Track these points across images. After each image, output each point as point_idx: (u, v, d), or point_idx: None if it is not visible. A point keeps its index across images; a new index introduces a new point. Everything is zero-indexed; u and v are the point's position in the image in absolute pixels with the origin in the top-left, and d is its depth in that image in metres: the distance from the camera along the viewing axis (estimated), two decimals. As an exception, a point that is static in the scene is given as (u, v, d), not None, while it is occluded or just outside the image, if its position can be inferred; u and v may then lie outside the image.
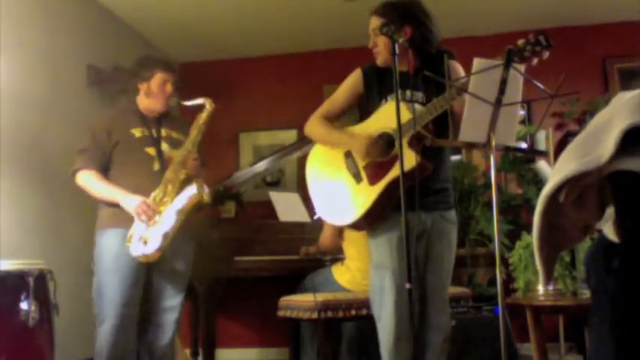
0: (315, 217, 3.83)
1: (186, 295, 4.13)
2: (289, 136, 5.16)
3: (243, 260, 3.73)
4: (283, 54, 5.31)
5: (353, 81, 2.70)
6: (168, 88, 3.05)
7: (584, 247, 3.06)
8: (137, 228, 2.81)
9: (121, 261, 2.82)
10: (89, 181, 2.94)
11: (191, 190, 2.88)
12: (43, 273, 2.62)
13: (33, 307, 2.48)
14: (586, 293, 3.17)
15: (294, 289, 3.48)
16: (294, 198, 4.34)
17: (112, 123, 3.02)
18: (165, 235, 2.80)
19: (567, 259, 3.23)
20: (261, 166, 4.39)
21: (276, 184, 5.22)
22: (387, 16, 2.55)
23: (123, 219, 2.83)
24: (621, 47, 4.82)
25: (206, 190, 2.94)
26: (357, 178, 2.57)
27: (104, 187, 2.92)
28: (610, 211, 1.27)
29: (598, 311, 1.30)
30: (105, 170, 2.97)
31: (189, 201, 2.87)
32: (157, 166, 2.95)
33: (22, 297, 2.47)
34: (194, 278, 3.82)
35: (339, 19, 4.58)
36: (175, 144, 3.02)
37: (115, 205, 2.87)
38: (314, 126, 2.73)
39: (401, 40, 2.35)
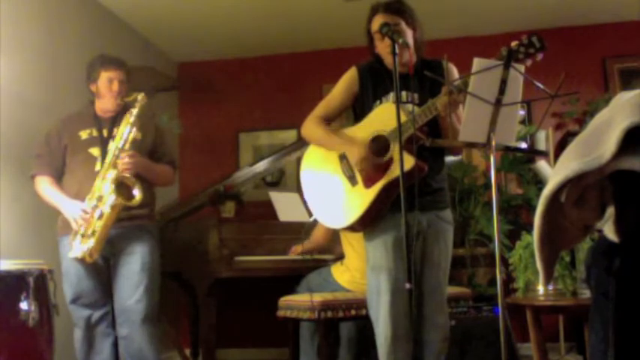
0: (313, 219, 3.83)
1: (186, 295, 4.19)
2: (289, 136, 5.16)
3: (244, 260, 3.73)
4: (283, 54, 5.31)
5: (348, 80, 2.68)
6: (115, 86, 3.04)
7: (584, 247, 3.06)
8: (77, 232, 2.86)
9: (77, 266, 2.91)
10: (41, 187, 3.03)
11: (112, 196, 2.82)
12: (43, 273, 2.61)
13: (33, 307, 2.48)
14: (586, 293, 3.17)
15: (294, 289, 3.48)
16: (294, 198, 4.34)
17: (63, 126, 3.08)
18: (97, 238, 2.82)
19: (567, 259, 3.23)
20: (261, 166, 4.39)
21: (276, 184, 5.22)
22: (404, 14, 2.55)
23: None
24: (621, 47, 4.82)
25: (136, 190, 2.86)
26: (352, 180, 2.56)
27: (51, 193, 3.00)
28: (610, 211, 1.27)
29: (598, 312, 1.30)
30: (59, 175, 3.05)
31: (113, 206, 2.83)
32: (98, 167, 2.96)
33: (22, 297, 2.47)
34: (194, 278, 3.84)
35: (339, 19, 4.57)
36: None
37: None
38: (310, 127, 2.71)
39: (401, 41, 2.35)
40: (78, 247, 2.84)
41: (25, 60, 3.53)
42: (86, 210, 2.84)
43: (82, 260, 2.85)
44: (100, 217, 2.82)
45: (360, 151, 2.51)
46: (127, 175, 2.88)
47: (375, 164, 2.51)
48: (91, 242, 2.82)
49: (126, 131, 2.93)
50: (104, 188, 2.85)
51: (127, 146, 2.92)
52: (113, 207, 2.82)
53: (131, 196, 2.87)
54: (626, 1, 4.42)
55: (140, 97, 2.99)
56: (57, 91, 3.73)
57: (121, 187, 2.86)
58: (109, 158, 2.90)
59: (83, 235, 2.84)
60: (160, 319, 3.24)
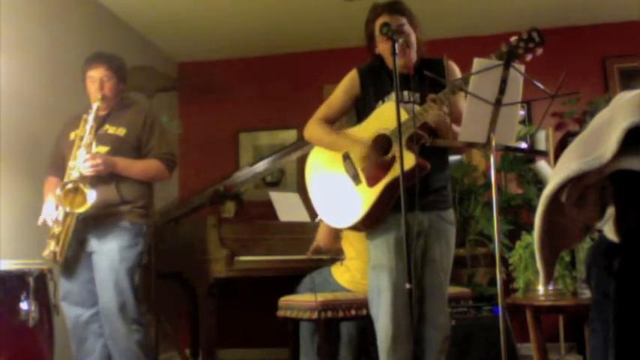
0: (317, 220, 3.82)
1: (186, 295, 4.18)
2: (289, 136, 5.16)
3: (244, 260, 3.72)
4: (283, 54, 5.31)
5: (349, 82, 2.69)
6: (95, 85, 3.08)
7: (584, 247, 3.06)
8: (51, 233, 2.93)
9: (64, 264, 2.99)
10: (45, 188, 3.12)
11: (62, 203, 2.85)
12: (43, 273, 2.61)
13: (33, 307, 2.48)
14: (586, 293, 3.17)
15: (294, 289, 3.48)
16: (294, 198, 4.34)
17: (62, 129, 3.17)
18: (59, 240, 2.87)
19: (567, 259, 3.23)
20: (261, 166, 4.39)
21: (276, 184, 5.21)
22: (407, 13, 2.55)
23: None
24: (621, 47, 4.81)
25: (89, 195, 2.82)
26: (356, 179, 2.56)
27: (44, 194, 3.07)
28: (611, 211, 1.27)
29: (598, 312, 1.30)
30: (64, 175, 3.09)
31: (65, 212, 2.86)
32: None
33: (22, 297, 2.47)
34: (194, 278, 3.84)
35: (339, 19, 4.57)
36: (104, 141, 3.03)
37: None
38: (313, 129, 2.72)
39: (401, 41, 2.35)
40: (49, 248, 2.91)
41: (25, 60, 3.53)
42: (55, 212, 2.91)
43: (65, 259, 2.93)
44: (61, 225, 2.88)
45: (363, 149, 2.52)
46: (87, 177, 2.87)
47: (377, 163, 2.51)
48: (52, 243, 2.88)
49: (85, 137, 2.94)
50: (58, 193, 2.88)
51: (88, 150, 2.92)
52: (65, 213, 2.86)
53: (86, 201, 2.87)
54: (626, 1, 4.42)
55: (95, 105, 2.99)
56: (57, 91, 3.73)
57: (78, 192, 2.86)
58: (70, 164, 2.93)
59: (52, 237, 2.90)
60: (159, 319, 3.24)
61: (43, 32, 3.71)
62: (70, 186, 2.84)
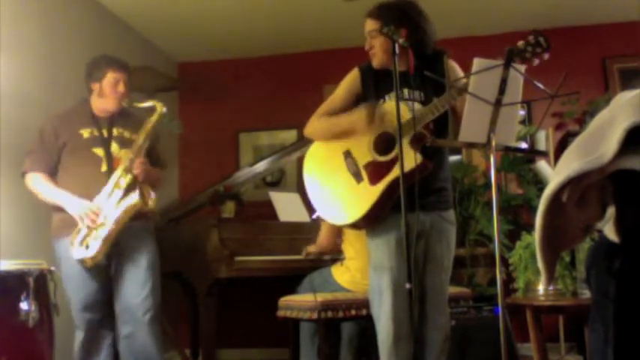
0: (314, 217, 3.82)
1: (186, 295, 4.19)
2: (289, 136, 5.16)
3: (244, 260, 3.72)
4: (283, 54, 5.31)
5: (351, 80, 2.70)
6: (120, 87, 3.05)
7: (584, 247, 3.06)
8: (80, 232, 2.85)
9: (81, 268, 2.89)
10: (37, 183, 2.98)
11: (132, 198, 2.85)
12: (43, 273, 2.61)
13: (33, 307, 2.48)
14: (586, 293, 3.17)
15: (294, 289, 3.48)
16: (294, 198, 4.34)
17: (60, 124, 3.04)
18: (105, 240, 2.83)
19: (567, 259, 3.23)
20: (261, 166, 4.39)
21: (276, 184, 5.22)
22: (383, 18, 2.54)
23: (74, 225, 2.87)
24: (621, 47, 4.81)
25: (152, 195, 2.91)
26: (358, 177, 2.56)
27: (51, 190, 2.96)
28: (611, 211, 1.27)
29: (598, 312, 1.29)
30: (53, 172, 3.01)
31: (127, 209, 2.85)
32: (104, 167, 2.96)
33: (22, 297, 2.47)
34: (194, 278, 3.85)
35: (339, 19, 4.58)
36: (126, 144, 3.01)
37: (64, 211, 2.90)
38: (314, 124, 2.72)
39: (401, 41, 2.35)
40: (79, 250, 2.83)
41: (25, 60, 3.53)
42: (94, 210, 2.83)
43: (83, 263, 2.85)
44: (112, 220, 2.84)
45: (365, 115, 2.51)
46: (146, 181, 2.92)
47: (380, 161, 2.51)
48: (97, 244, 2.81)
49: (142, 139, 2.95)
50: (116, 193, 2.86)
51: (141, 153, 2.94)
52: (126, 211, 2.84)
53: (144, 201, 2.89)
54: (626, 1, 4.42)
55: (159, 106, 3.01)
56: (57, 91, 3.73)
57: (130, 192, 2.87)
58: (124, 163, 2.91)
59: (87, 236, 2.83)
60: (160, 319, 3.23)
61: (43, 32, 3.71)
62: (143, 187, 2.89)
